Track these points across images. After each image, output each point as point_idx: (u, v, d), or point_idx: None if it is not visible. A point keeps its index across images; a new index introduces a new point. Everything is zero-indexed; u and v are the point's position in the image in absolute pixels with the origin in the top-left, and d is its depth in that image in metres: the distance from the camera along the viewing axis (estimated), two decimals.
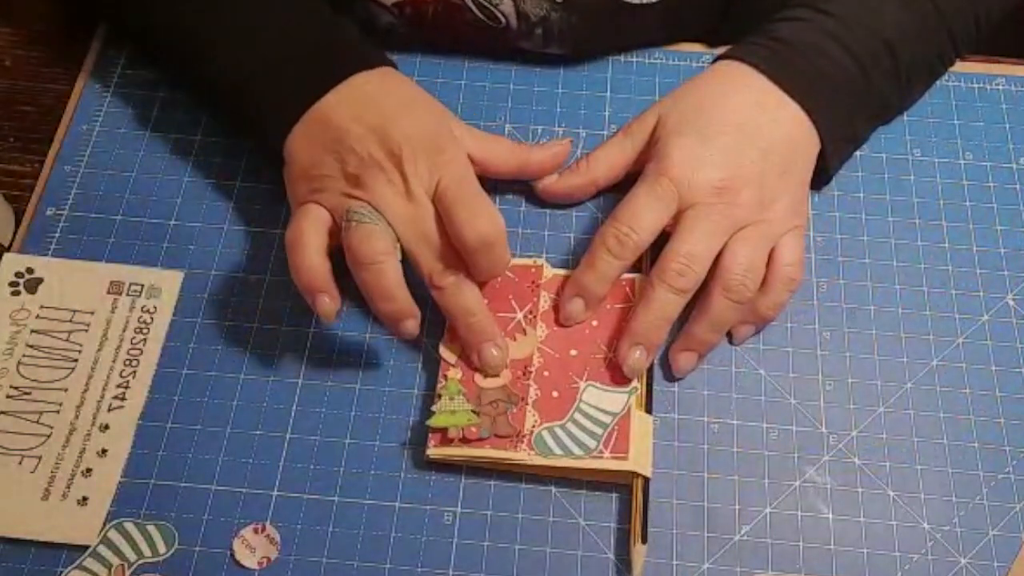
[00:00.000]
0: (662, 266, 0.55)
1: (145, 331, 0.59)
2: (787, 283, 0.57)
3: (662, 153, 0.57)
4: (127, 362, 0.58)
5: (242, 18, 0.59)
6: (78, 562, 0.53)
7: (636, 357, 0.55)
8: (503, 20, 0.65)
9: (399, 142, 0.54)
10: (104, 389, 0.57)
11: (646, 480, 0.54)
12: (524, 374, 0.55)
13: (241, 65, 0.58)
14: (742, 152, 0.57)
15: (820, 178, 0.61)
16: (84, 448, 0.55)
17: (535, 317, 0.57)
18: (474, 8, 0.64)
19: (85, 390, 0.57)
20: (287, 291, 0.60)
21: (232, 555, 0.53)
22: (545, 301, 0.58)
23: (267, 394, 0.57)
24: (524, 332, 0.57)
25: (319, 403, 0.57)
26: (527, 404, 0.55)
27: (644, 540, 0.52)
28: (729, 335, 0.59)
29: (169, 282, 0.60)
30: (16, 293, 0.59)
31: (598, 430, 0.54)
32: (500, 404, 0.55)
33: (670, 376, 0.58)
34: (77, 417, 0.56)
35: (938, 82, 0.68)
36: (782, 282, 0.57)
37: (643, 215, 0.56)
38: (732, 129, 0.57)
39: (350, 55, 0.59)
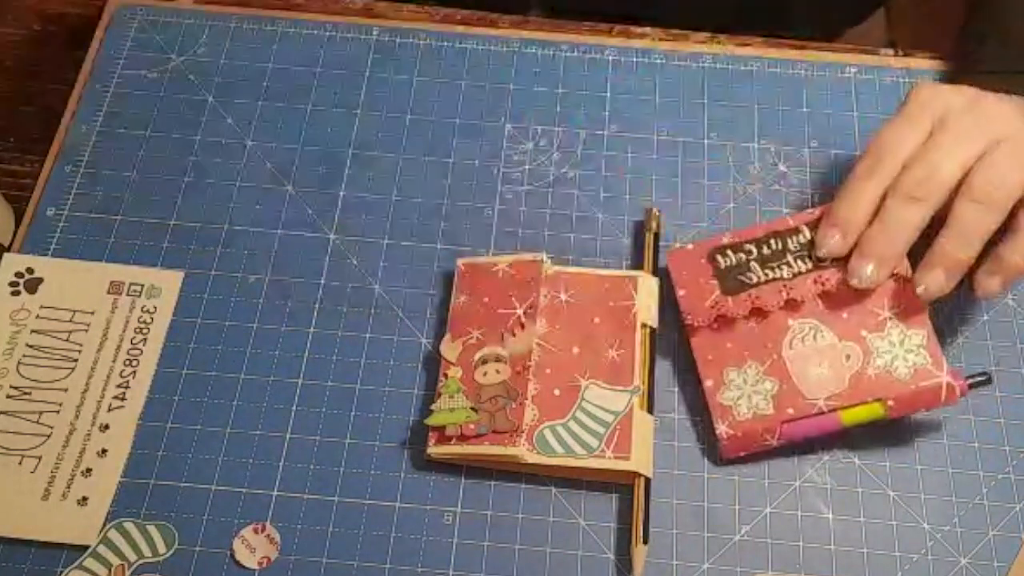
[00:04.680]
0: (901, 176, 0.53)
1: (145, 331, 0.59)
2: None
3: (909, 92, 0.56)
4: (127, 362, 0.58)
5: None
6: (78, 562, 0.53)
7: (867, 272, 0.53)
8: None
9: None
10: (104, 389, 0.57)
11: (647, 480, 0.54)
12: (524, 369, 0.55)
13: None
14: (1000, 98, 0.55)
15: None
16: (84, 448, 0.55)
17: (535, 311, 0.57)
18: None
19: (85, 390, 0.57)
20: (287, 292, 0.60)
21: (232, 555, 0.53)
22: (545, 296, 0.58)
23: (267, 394, 0.57)
24: (523, 327, 0.57)
25: (319, 403, 0.57)
26: (526, 399, 0.55)
27: (646, 540, 0.52)
28: (973, 286, 0.54)
29: (169, 282, 0.60)
30: (16, 293, 0.59)
31: (600, 429, 0.54)
32: (499, 400, 0.55)
33: (678, 377, 0.58)
34: (77, 417, 0.56)
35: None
36: None
37: (894, 137, 0.54)
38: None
39: None
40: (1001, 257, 0.53)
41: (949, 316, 0.60)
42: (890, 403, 0.53)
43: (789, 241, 0.57)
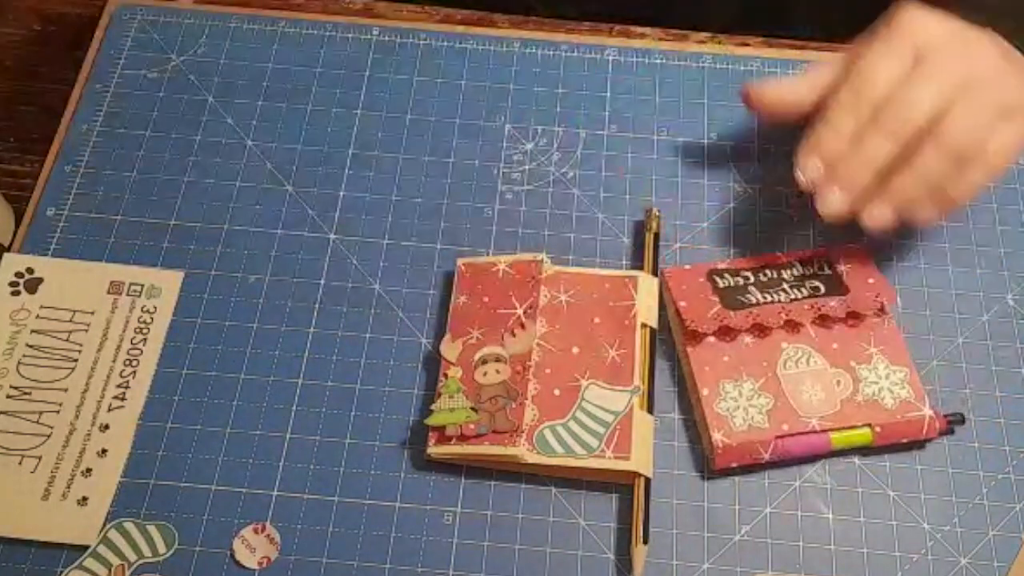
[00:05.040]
0: (880, 112, 0.53)
1: (145, 331, 0.59)
2: (989, 168, 0.54)
3: (891, 15, 0.56)
4: (127, 362, 0.58)
5: None
6: (78, 562, 0.53)
7: (833, 198, 0.54)
8: None
9: None
10: (104, 389, 0.57)
11: (647, 480, 0.54)
12: (524, 369, 0.55)
13: None
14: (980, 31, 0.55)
15: None
16: (84, 448, 0.55)
17: (534, 312, 0.57)
18: None
19: (85, 390, 0.57)
20: (287, 291, 0.60)
21: (232, 555, 0.53)
22: (545, 296, 0.58)
23: (267, 394, 0.57)
24: (523, 327, 0.57)
25: (319, 403, 0.57)
26: (526, 399, 0.55)
27: (646, 540, 0.52)
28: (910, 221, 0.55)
29: (169, 282, 0.60)
30: (16, 293, 0.59)
31: (600, 429, 0.54)
32: (499, 400, 0.55)
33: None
34: (77, 417, 0.56)
35: None
36: (985, 165, 0.53)
37: (875, 67, 0.54)
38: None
39: None
40: (892, 182, 0.54)
41: (949, 317, 0.60)
42: (877, 430, 0.55)
43: (783, 272, 0.59)
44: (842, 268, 0.59)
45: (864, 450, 0.56)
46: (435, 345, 0.58)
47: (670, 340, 0.59)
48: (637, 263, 0.61)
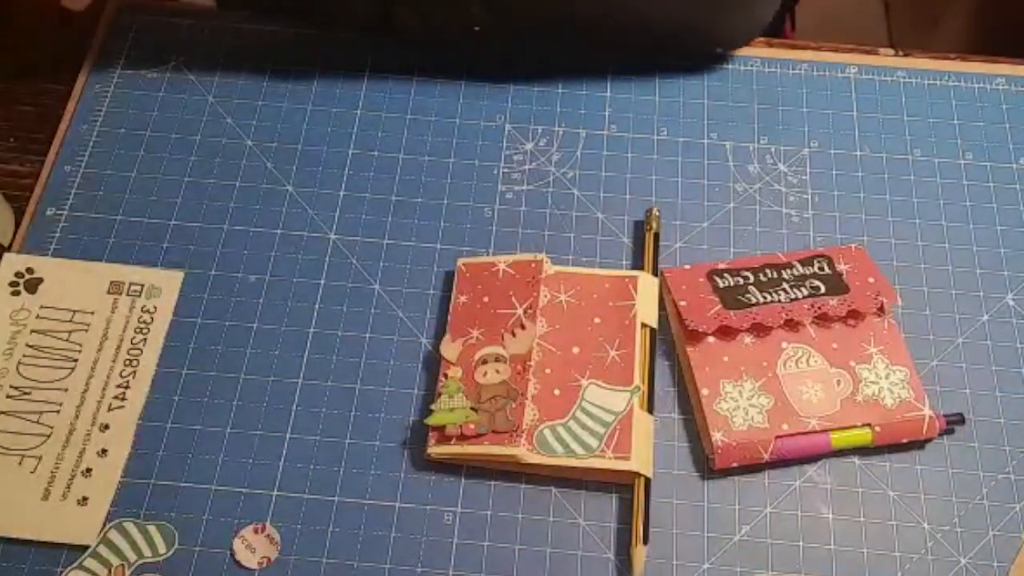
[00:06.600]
0: None
1: (145, 331, 0.59)
2: None
3: None
4: (127, 362, 0.58)
5: None
6: (78, 562, 0.53)
7: None
8: None
9: None
10: (104, 389, 0.57)
11: (647, 480, 0.54)
12: (524, 369, 0.55)
13: None
14: None
15: None
16: (84, 448, 0.55)
17: (535, 312, 0.57)
18: None
19: (85, 390, 0.57)
20: (287, 291, 0.60)
21: (232, 555, 0.53)
22: (545, 296, 0.58)
23: (267, 394, 0.57)
24: (523, 327, 0.57)
25: (319, 403, 0.57)
26: (526, 399, 0.55)
27: (646, 541, 0.52)
28: None
29: (169, 282, 0.60)
30: (16, 293, 0.59)
31: (600, 429, 0.54)
32: (499, 400, 0.55)
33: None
34: (77, 417, 0.56)
35: (938, 82, 0.68)
36: None
37: None
38: None
39: None
40: None
41: (949, 317, 0.60)
42: (877, 429, 0.55)
43: (783, 272, 0.59)
44: (842, 268, 0.59)
45: (864, 450, 0.56)
46: (435, 345, 0.58)
47: (670, 340, 0.59)
48: (637, 263, 0.61)
